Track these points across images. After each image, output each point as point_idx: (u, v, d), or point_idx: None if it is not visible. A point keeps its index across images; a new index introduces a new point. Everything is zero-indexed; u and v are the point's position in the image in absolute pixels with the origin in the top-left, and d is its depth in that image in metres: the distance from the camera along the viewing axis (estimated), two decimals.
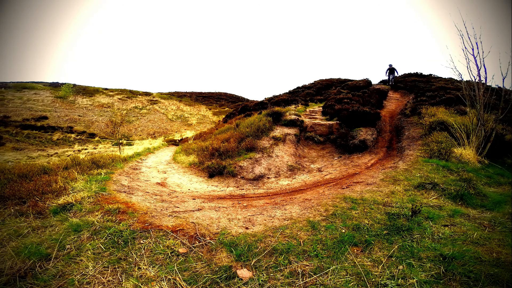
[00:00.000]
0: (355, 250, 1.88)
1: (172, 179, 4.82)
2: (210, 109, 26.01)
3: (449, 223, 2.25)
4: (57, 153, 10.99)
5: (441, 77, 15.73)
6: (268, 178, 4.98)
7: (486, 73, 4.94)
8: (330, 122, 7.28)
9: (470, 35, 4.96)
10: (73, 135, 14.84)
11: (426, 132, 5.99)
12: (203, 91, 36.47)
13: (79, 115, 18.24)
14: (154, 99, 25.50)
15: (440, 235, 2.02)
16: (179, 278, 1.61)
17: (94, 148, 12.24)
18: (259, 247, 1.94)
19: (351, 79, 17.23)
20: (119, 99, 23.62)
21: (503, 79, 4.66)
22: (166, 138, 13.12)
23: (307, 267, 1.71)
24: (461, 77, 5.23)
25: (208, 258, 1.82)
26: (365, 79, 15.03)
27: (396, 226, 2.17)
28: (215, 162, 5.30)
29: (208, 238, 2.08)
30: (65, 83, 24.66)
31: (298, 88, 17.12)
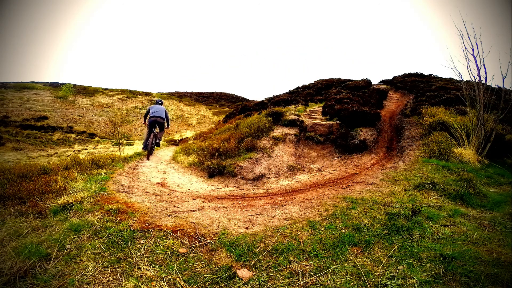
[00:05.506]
0: (355, 250, 1.88)
1: (172, 179, 4.82)
2: (210, 109, 26.01)
3: (449, 223, 2.25)
4: (57, 153, 10.99)
5: (441, 77, 15.74)
6: (268, 178, 4.97)
7: (486, 73, 4.94)
8: (330, 122, 7.28)
9: (470, 35, 4.96)
10: (73, 135, 14.83)
11: (426, 132, 5.99)
12: (203, 91, 36.49)
13: (79, 115, 18.23)
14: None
15: (440, 235, 2.02)
16: (179, 278, 1.61)
17: (94, 148, 12.23)
18: (259, 247, 1.94)
19: (351, 79, 17.24)
20: (119, 99, 23.61)
21: (503, 79, 4.66)
22: (166, 138, 13.12)
23: (307, 267, 1.71)
24: (461, 77, 5.23)
25: (208, 258, 1.82)
26: (365, 79, 15.04)
27: (396, 226, 2.17)
28: (215, 162, 5.30)
29: (208, 238, 2.08)
30: (65, 83, 24.66)
31: (298, 88, 17.12)
